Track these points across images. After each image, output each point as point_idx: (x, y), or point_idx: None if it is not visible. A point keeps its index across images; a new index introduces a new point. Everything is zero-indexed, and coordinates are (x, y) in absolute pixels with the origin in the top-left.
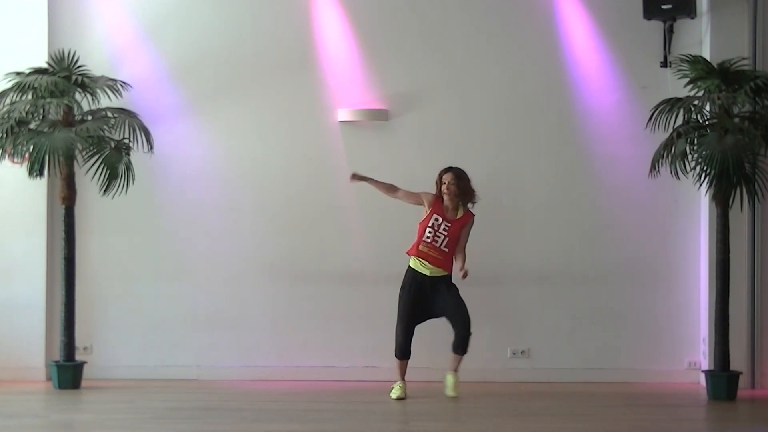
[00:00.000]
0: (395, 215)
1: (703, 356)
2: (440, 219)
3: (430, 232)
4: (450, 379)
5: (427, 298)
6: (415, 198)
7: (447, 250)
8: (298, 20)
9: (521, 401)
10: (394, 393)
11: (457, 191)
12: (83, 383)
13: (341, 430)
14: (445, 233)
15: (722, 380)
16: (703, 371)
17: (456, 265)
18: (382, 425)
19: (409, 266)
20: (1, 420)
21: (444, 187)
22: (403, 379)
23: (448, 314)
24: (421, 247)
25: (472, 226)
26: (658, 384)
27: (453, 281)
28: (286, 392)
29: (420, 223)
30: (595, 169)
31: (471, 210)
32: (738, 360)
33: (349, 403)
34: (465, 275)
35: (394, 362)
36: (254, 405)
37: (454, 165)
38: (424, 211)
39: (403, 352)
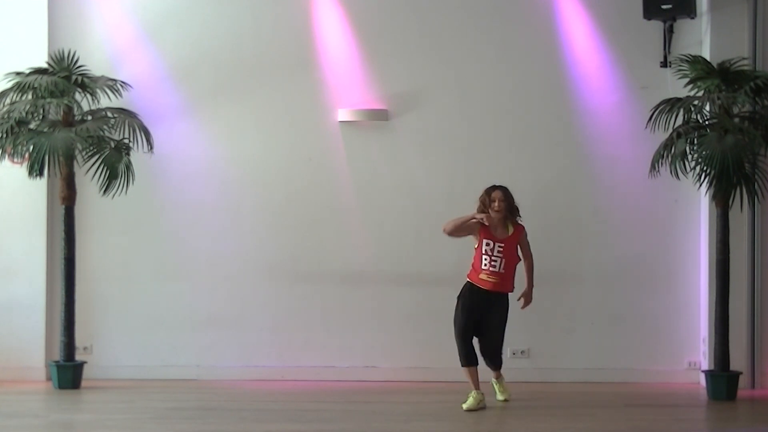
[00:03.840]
0: (395, 215)
1: (703, 356)
2: (492, 243)
3: (486, 259)
4: (494, 384)
5: (481, 312)
6: (468, 230)
7: (505, 271)
8: (298, 20)
9: (521, 401)
10: (467, 404)
11: (507, 207)
12: (83, 383)
13: (341, 430)
14: (500, 255)
15: (722, 380)
16: (703, 371)
17: (524, 288)
18: (382, 425)
19: (469, 279)
20: (1, 420)
21: (495, 205)
22: (477, 388)
23: (484, 333)
24: (481, 275)
25: (527, 236)
26: (658, 384)
27: (508, 300)
28: (286, 392)
29: (475, 248)
30: (595, 169)
31: (519, 222)
32: (738, 360)
33: (349, 403)
34: (524, 304)
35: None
36: (254, 405)
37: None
38: (473, 238)
39: (467, 358)
